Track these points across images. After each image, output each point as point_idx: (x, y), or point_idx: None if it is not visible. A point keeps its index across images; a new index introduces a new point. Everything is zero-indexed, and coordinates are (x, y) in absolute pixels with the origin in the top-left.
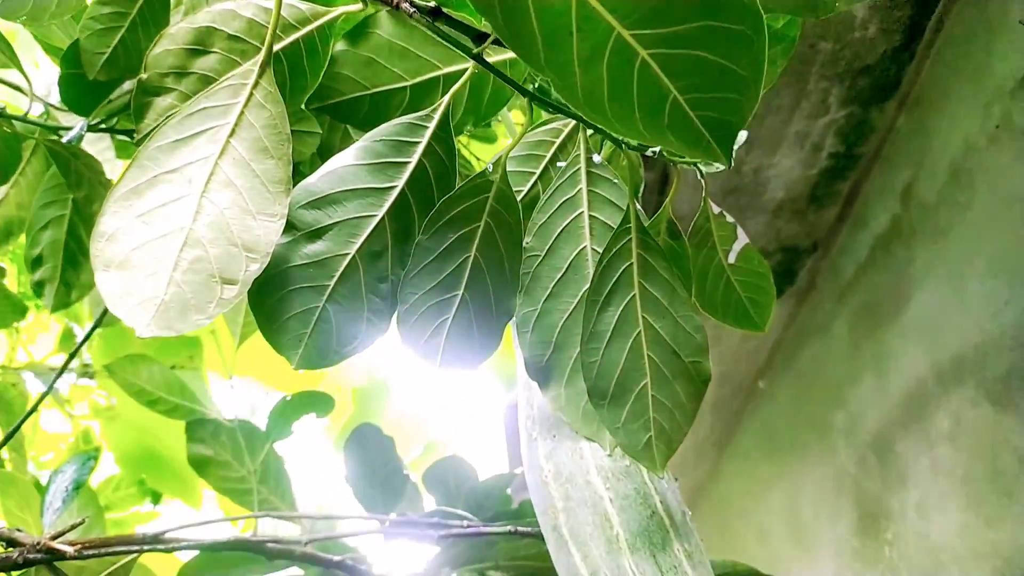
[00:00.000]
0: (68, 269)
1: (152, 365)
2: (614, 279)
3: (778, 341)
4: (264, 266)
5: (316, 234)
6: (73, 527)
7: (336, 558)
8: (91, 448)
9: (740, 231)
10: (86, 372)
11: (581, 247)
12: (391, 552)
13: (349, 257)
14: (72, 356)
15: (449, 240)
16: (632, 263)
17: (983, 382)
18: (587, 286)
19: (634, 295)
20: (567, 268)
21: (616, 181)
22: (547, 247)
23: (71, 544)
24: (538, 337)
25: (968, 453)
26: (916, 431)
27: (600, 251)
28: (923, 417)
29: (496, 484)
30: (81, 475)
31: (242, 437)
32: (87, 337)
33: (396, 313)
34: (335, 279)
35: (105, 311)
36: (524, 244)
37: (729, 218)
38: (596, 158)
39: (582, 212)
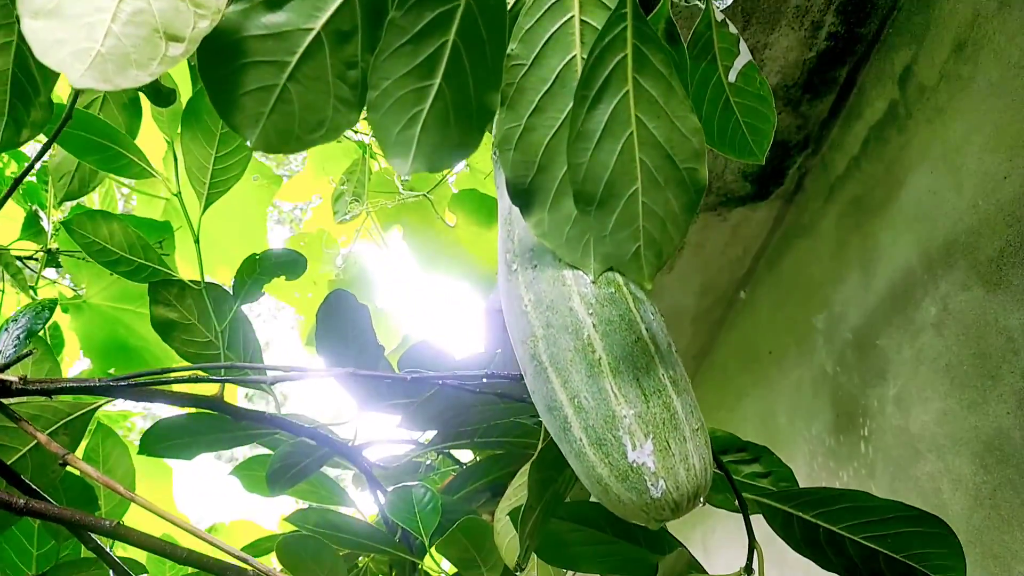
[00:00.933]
0: (17, 104)
1: (112, 221)
2: (606, 73)
3: (762, 247)
4: (214, 24)
5: (276, 3)
6: (19, 359)
7: (307, 426)
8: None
9: (743, 45)
10: (53, 262)
11: (570, 56)
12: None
13: (313, 33)
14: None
15: (425, 19)
16: (626, 55)
17: (975, 264)
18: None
19: (627, 91)
20: (554, 80)
21: None
22: (533, 56)
23: (18, 377)
24: (521, 156)
25: (954, 339)
26: (900, 323)
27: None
28: (908, 307)
29: (473, 362)
30: (35, 324)
31: (209, 300)
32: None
33: (367, 101)
34: (297, 56)
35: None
36: (508, 51)
37: (732, 28)
38: None
39: (573, 16)
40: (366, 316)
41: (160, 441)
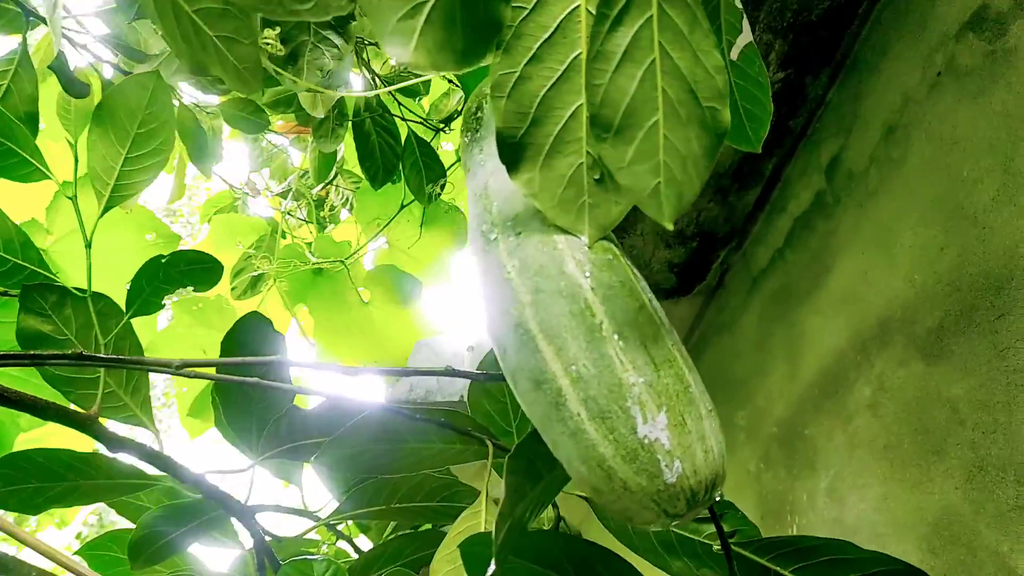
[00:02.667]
0: None
1: None
2: None
3: None
4: None
5: None
6: None
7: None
8: None
9: (745, 23)
10: None
11: (574, 6)
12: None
13: None
14: None
15: None
16: None
17: (912, 338)
18: (575, 53)
19: (651, 16)
20: (555, 29)
21: None
22: (535, 0)
23: None
24: (514, 106)
25: (892, 418)
26: (831, 409)
27: (595, 14)
28: (840, 391)
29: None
30: None
31: (94, 312)
32: None
33: None
34: None
35: None
36: None
37: (738, 3)
38: None
39: None
40: (280, 342)
41: None
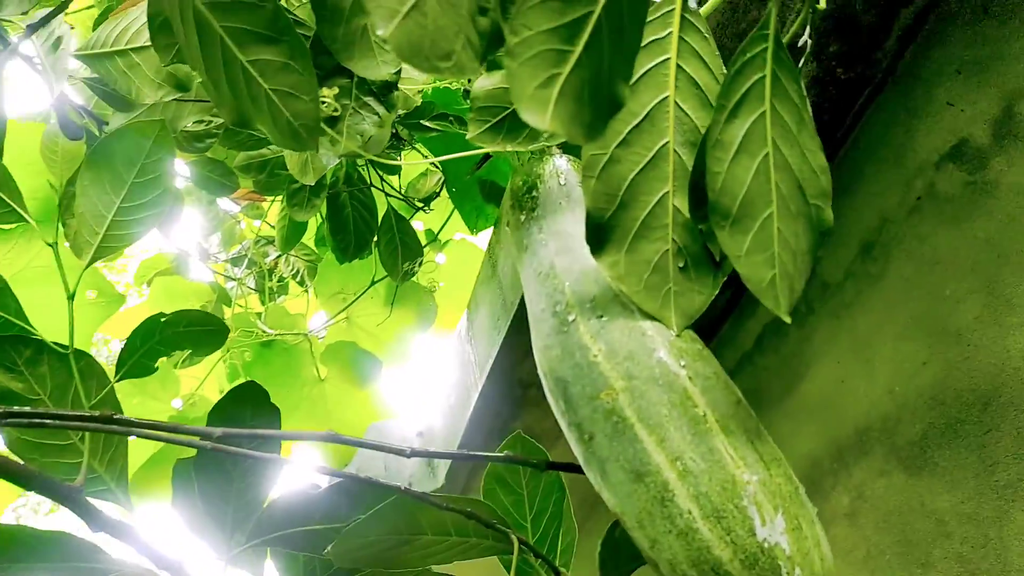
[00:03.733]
0: None
1: None
2: (745, 88)
3: None
4: None
5: None
6: None
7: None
8: None
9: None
10: None
11: (663, 96)
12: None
13: None
14: None
15: None
16: (765, 75)
17: (894, 449)
18: (663, 141)
19: (764, 111)
20: (644, 117)
21: (708, 37)
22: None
23: None
24: (603, 187)
25: (872, 528)
26: None
27: (683, 106)
28: (815, 499)
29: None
30: None
31: (76, 371)
32: None
33: (507, 46)
34: None
35: None
36: None
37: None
38: (692, 3)
39: (669, 59)
40: (276, 418)
41: None
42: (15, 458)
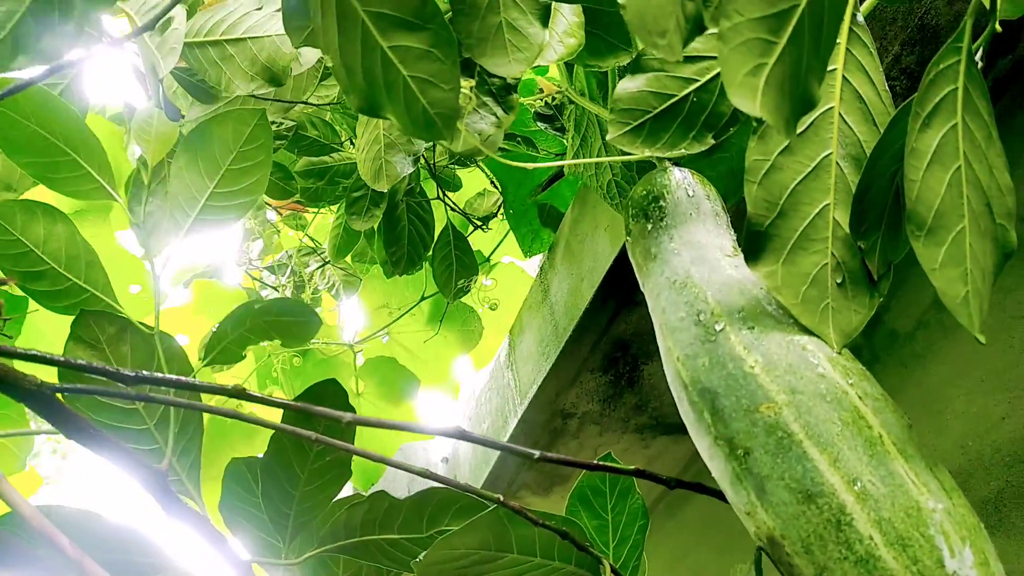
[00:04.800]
0: None
1: (58, 221)
2: (938, 99)
3: (661, 495)
4: None
5: None
6: None
7: None
8: None
9: None
10: None
11: (828, 107)
12: None
13: None
14: None
15: None
16: (957, 88)
17: None
18: (826, 152)
19: (955, 124)
20: (809, 126)
21: (873, 52)
22: None
23: None
24: (764, 194)
25: None
26: None
27: (847, 119)
28: None
29: None
30: None
31: (161, 351)
32: None
33: (720, 31)
34: None
35: None
36: None
37: None
38: (859, 17)
39: (836, 70)
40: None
41: None
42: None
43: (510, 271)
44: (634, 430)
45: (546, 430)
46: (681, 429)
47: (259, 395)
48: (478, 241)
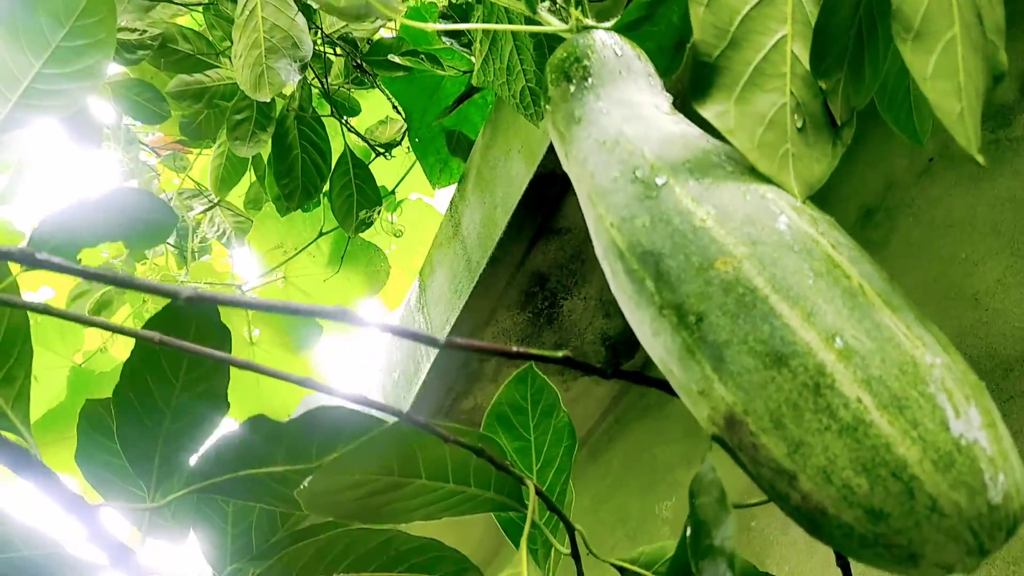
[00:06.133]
0: None
1: None
2: None
3: (590, 431)
4: None
5: None
6: None
7: None
8: None
9: None
10: None
11: None
12: None
13: None
14: None
15: None
16: None
17: None
18: None
19: None
20: None
21: None
22: None
23: None
24: (713, 19)
25: None
26: None
27: None
28: None
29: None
30: None
31: None
32: None
33: None
34: None
35: None
36: None
37: None
38: None
39: None
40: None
41: None
42: None
43: (420, 209)
44: (555, 372)
45: (462, 373)
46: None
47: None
48: (383, 176)
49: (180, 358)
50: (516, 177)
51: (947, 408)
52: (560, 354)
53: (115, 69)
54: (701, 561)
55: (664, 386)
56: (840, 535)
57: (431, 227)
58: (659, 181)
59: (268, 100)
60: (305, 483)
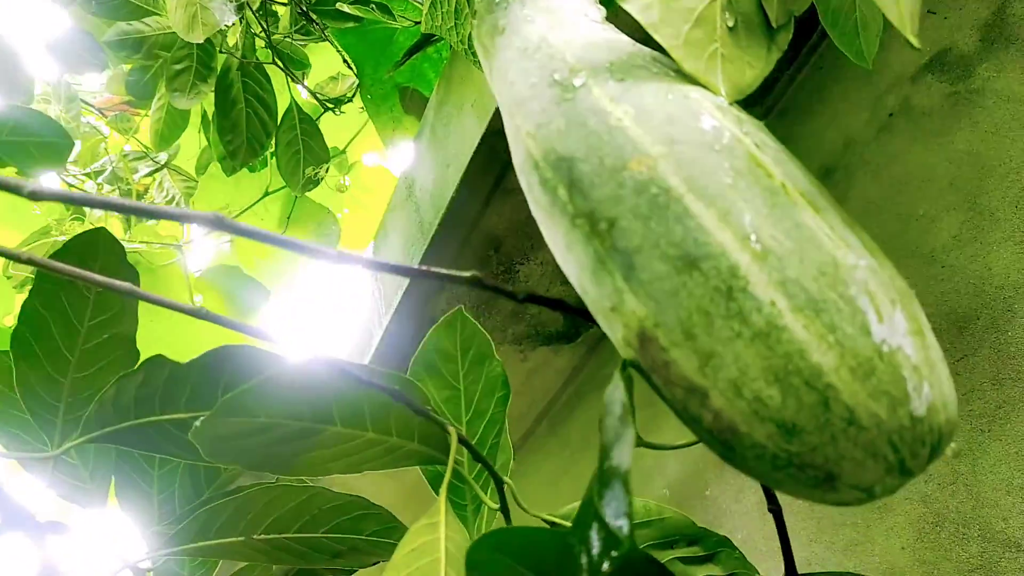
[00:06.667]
0: None
1: None
2: None
3: (549, 404)
4: None
5: None
6: None
7: None
8: None
9: None
10: None
11: None
12: None
13: None
14: None
15: None
16: None
17: None
18: None
19: None
20: None
21: None
22: None
23: None
24: None
25: None
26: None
27: None
28: None
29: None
30: None
31: None
32: None
33: None
34: None
35: None
36: None
37: None
38: None
39: None
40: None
41: None
42: None
43: (379, 175)
44: (511, 340)
45: (415, 342)
46: (563, 337)
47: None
48: (336, 137)
49: (84, 301)
50: (468, 133)
51: (869, 312)
52: (468, 274)
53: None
54: (602, 489)
55: (582, 313)
56: (753, 457)
57: (388, 192)
58: (577, 82)
59: (201, 41)
60: (198, 422)
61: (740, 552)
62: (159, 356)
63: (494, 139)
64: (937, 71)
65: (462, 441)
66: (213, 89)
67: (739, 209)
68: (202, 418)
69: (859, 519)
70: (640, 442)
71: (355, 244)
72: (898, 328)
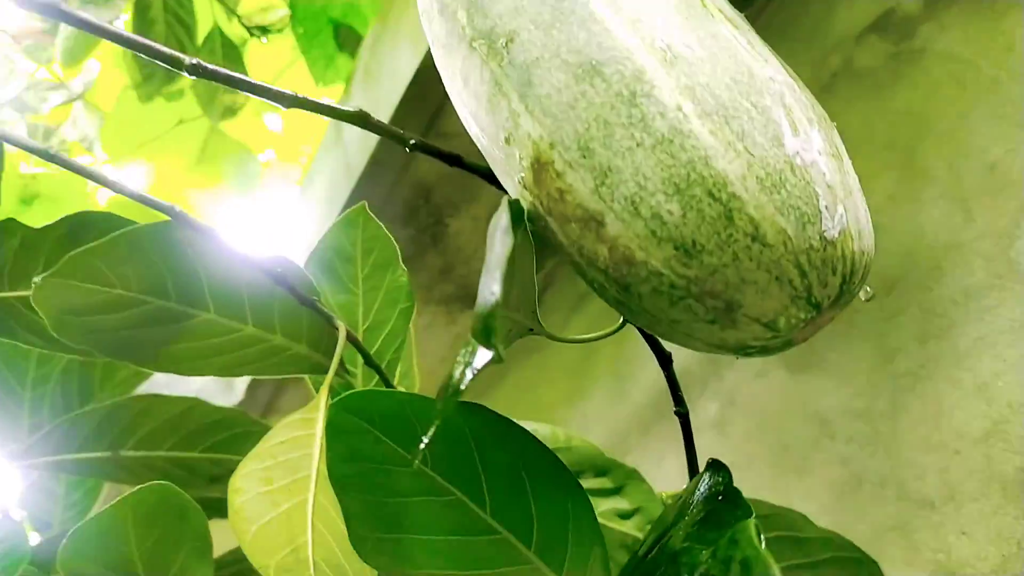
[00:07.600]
0: None
1: None
2: None
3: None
4: None
5: None
6: None
7: None
8: None
9: None
10: None
11: None
12: None
13: None
14: None
15: None
16: None
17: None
18: None
19: None
20: None
21: None
22: None
23: None
24: None
25: (742, 436)
26: (662, 431)
27: None
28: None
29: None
30: None
31: None
32: None
33: None
34: None
35: None
36: None
37: None
38: None
39: None
40: None
41: None
42: None
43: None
44: (439, 301)
45: None
46: None
47: None
48: (263, 73)
49: None
50: (401, 70)
51: (783, 123)
52: (354, 110)
53: None
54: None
55: (482, 174)
56: (649, 291)
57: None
58: None
59: None
60: (37, 279)
61: (649, 485)
62: (10, 220)
63: (427, 78)
64: (881, 31)
65: (351, 339)
66: (132, 5)
67: (650, 16)
68: (43, 275)
69: (778, 482)
70: (549, 334)
71: (283, 191)
72: (814, 145)
